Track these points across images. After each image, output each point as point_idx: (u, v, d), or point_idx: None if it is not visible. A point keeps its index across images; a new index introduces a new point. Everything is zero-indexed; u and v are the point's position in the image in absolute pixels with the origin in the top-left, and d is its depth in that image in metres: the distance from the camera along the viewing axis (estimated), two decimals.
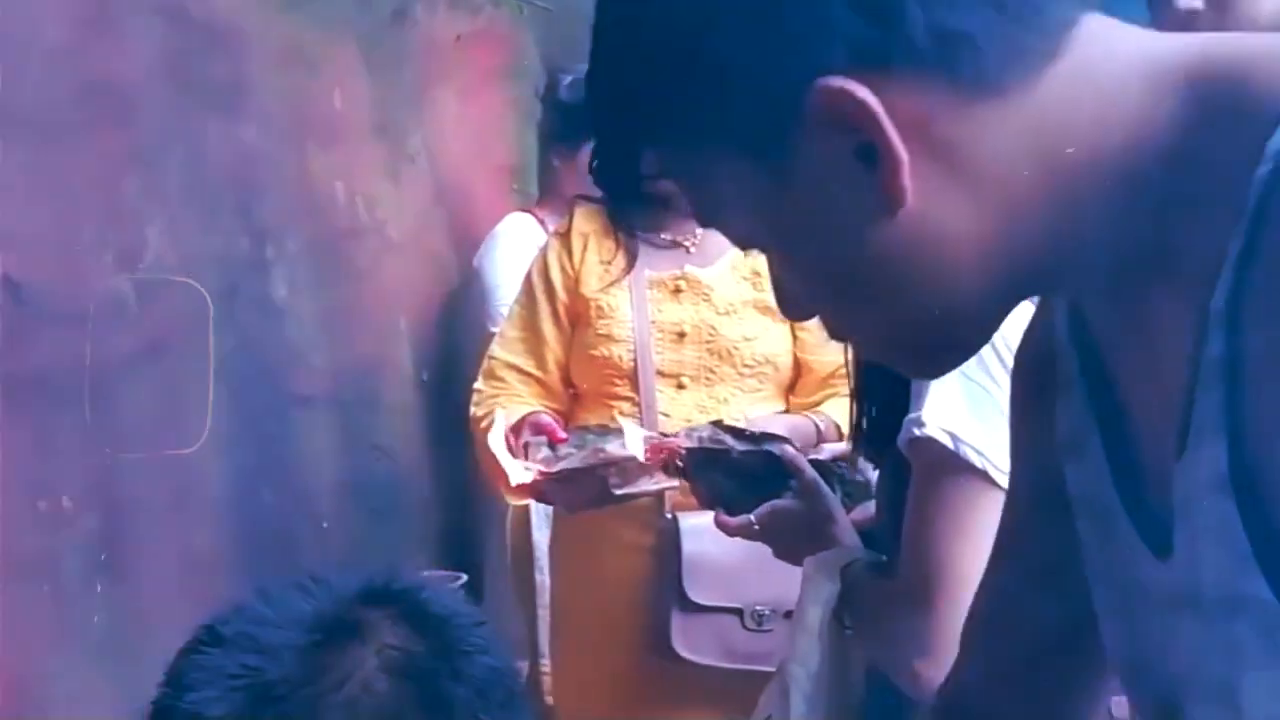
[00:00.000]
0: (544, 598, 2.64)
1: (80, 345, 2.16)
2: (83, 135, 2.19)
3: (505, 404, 2.31)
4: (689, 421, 2.13)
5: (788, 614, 2.19)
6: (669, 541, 2.23)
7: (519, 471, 1.97)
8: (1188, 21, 1.83)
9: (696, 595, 2.21)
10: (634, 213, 2.23)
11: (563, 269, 2.38)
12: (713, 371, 2.32)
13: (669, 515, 2.25)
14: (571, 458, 1.96)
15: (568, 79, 2.72)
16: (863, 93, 0.72)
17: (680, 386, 2.32)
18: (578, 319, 2.37)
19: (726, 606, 2.22)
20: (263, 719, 0.67)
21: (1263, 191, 0.69)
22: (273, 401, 2.59)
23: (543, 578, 2.66)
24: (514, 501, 2.42)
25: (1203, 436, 0.72)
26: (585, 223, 2.39)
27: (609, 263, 2.34)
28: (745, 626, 2.21)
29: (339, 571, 0.77)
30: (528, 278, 2.44)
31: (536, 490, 2.03)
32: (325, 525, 2.63)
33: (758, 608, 2.21)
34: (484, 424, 2.28)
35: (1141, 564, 0.80)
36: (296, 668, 0.68)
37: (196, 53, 2.45)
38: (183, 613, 2.34)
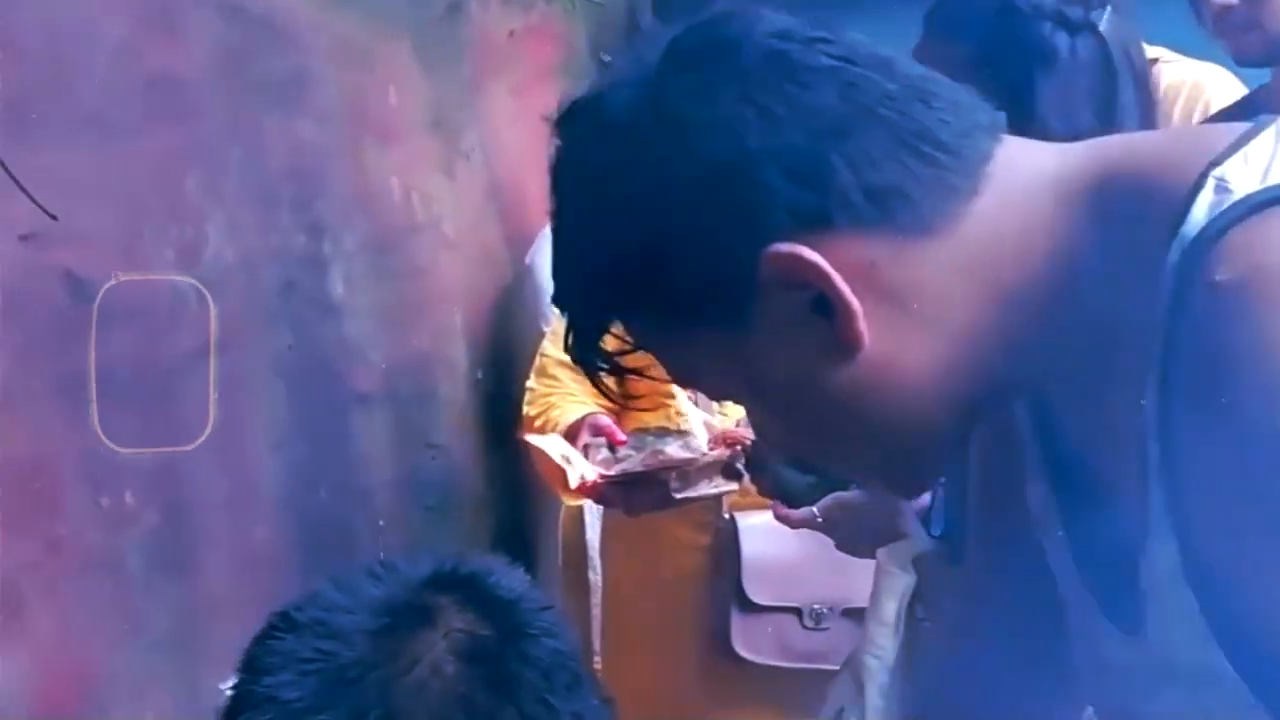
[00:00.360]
0: (597, 595, 2.64)
1: (141, 342, 2.17)
2: (143, 132, 2.20)
3: (559, 403, 2.30)
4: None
5: (845, 612, 2.19)
6: (727, 542, 2.23)
7: (576, 473, 1.96)
8: (1222, 16, 1.81)
9: (756, 595, 2.20)
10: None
11: None
12: None
13: (727, 516, 2.24)
14: (631, 460, 1.95)
15: None
16: (809, 254, 0.79)
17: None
18: None
19: (785, 606, 2.21)
20: (336, 702, 0.69)
21: (1169, 304, 0.74)
22: (329, 398, 2.60)
23: (596, 576, 2.66)
24: (570, 503, 2.42)
25: (1159, 532, 0.77)
26: None
27: None
28: (804, 625, 2.20)
29: (408, 558, 0.79)
30: None
31: (595, 493, 2.02)
32: (381, 523, 2.63)
33: (816, 606, 2.21)
34: (538, 423, 2.27)
35: (1109, 639, 0.86)
36: (368, 651, 0.71)
37: (254, 49, 2.46)
38: (242, 608, 2.37)
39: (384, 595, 0.74)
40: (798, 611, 2.19)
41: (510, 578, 0.78)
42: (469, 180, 3.03)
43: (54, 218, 1.73)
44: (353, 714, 0.68)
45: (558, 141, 0.88)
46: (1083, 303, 0.80)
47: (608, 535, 2.52)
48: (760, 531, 2.14)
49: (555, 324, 2.45)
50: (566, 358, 2.40)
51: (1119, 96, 1.60)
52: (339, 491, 2.59)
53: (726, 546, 2.23)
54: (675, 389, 2.19)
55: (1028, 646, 1.02)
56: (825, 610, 2.20)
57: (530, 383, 2.40)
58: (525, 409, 2.38)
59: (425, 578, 0.76)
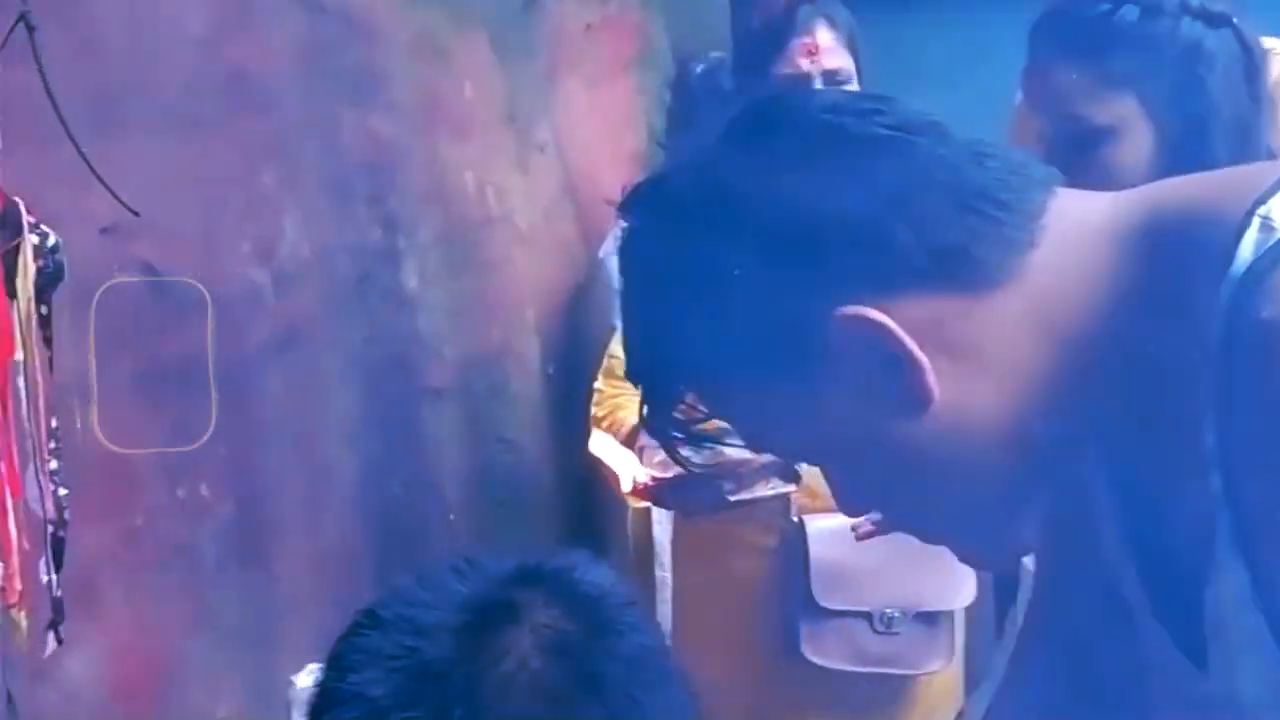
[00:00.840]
0: (666, 592, 2.64)
1: (218, 334, 2.19)
2: (222, 125, 2.22)
3: (625, 404, 2.30)
4: None
5: (917, 616, 2.17)
6: (795, 546, 2.21)
7: (629, 476, 1.97)
8: None
9: (825, 601, 2.19)
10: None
11: None
12: None
13: (795, 519, 2.23)
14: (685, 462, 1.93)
15: (699, 68, 2.71)
16: (877, 315, 0.82)
17: None
18: None
19: (855, 611, 2.20)
20: (422, 698, 0.69)
21: (1222, 342, 0.77)
22: (403, 392, 2.61)
23: (664, 574, 2.66)
24: (632, 504, 2.42)
25: (1227, 561, 0.80)
26: None
27: None
28: (874, 629, 2.19)
29: (492, 554, 0.79)
30: None
31: (651, 495, 2.01)
32: (452, 517, 2.64)
33: (887, 611, 2.19)
34: (605, 424, 2.27)
35: (1183, 671, 0.88)
36: (453, 648, 0.71)
37: (332, 43, 2.47)
38: (314, 601, 2.38)
39: (469, 591, 0.74)
40: (868, 616, 2.17)
41: (595, 573, 0.78)
42: (543, 174, 3.04)
43: (136, 214, 1.74)
44: (439, 710, 0.68)
45: (624, 222, 0.92)
46: (1140, 344, 0.82)
47: (676, 533, 2.51)
48: (829, 535, 2.13)
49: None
50: None
51: (1261, 89, 1.60)
52: (411, 485, 2.61)
53: (794, 550, 2.21)
54: None
55: (1102, 677, 1.03)
56: (896, 614, 2.18)
57: (598, 384, 2.39)
58: (593, 410, 2.37)
59: (510, 573, 0.76)
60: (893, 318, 0.82)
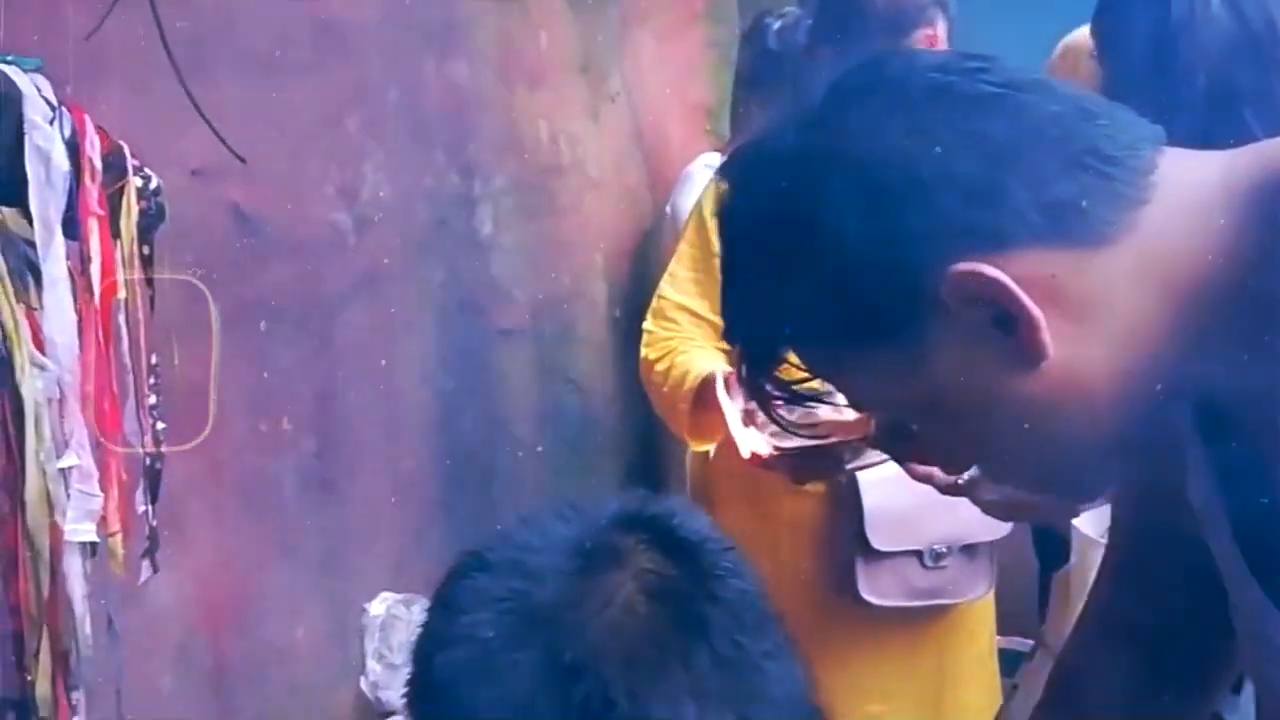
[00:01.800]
0: None
1: (302, 275, 2.26)
2: (309, 72, 2.28)
3: (682, 348, 2.31)
4: None
5: (963, 549, 2.23)
6: (847, 493, 2.26)
7: (747, 446, 1.96)
8: None
9: (879, 543, 2.24)
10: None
11: None
12: None
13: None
14: (807, 430, 1.89)
15: (775, 24, 2.73)
16: (991, 271, 0.81)
17: None
18: None
19: (907, 550, 2.26)
20: (532, 640, 0.69)
21: None
22: (476, 333, 2.68)
23: (718, 515, 2.70)
24: (696, 448, 2.45)
25: None
26: None
27: None
28: (924, 565, 2.24)
29: (593, 499, 0.80)
30: (697, 216, 2.38)
31: (770, 464, 2.01)
32: (520, 454, 2.72)
33: (935, 546, 2.24)
34: (660, 367, 2.30)
35: (1271, 618, 0.88)
36: (562, 591, 0.71)
37: None
38: (389, 531, 2.47)
39: (574, 535, 0.74)
40: (918, 553, 2.23)
41: (693, 519, 0.77)
42: (613, 123, 3.08)
43: (243, 160, 1.81)
44: (549, 652, 0.68)
45: (725, 185, 0.92)
46: (1251, 301, 0.82)
47: (725, 477, 2.54)
48: (878, 482, 2.17)
49: (673, 265, 2.41)
50: (685, 300, 2.41)
51: None
52: (482, 422, 2.68)
53: (846, 497, 2.26)
54: None
55: (1182, 621, 1.04)
56: (944, 549, 2.24)
57: (648, 324, 2.36)
58: (644, 351, 2.36)
59: (612, 519, 0.76)
60: (1006, 274, 0.81)
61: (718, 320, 2.32)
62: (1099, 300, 0.83)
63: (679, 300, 2.33)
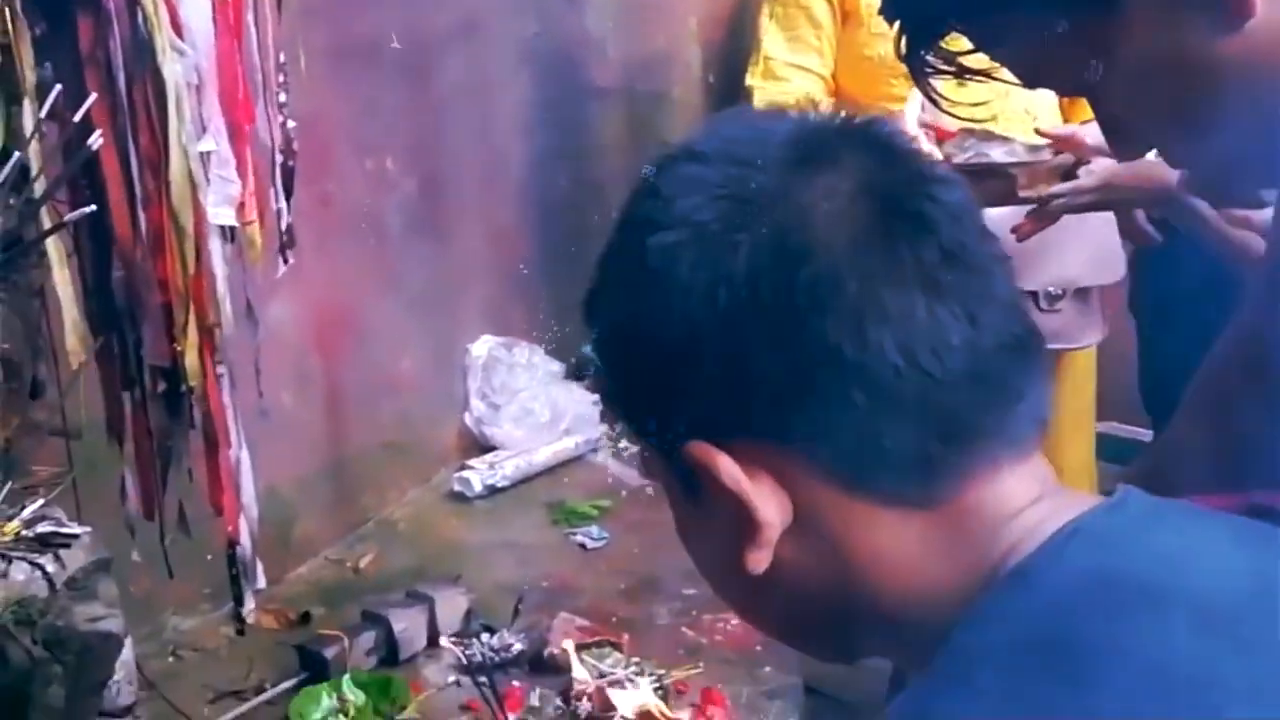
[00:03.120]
0: None
1: (405, 19, 2.26)
2: None
3: (796, 103, 2.29)
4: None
5: (1076, 293, 2.23)
6: None
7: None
8: None
9: None
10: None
11: None
12: None
13: None
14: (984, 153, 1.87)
15: None
16: None
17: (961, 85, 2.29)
18: (848, 17, 2.29)
19: (1023, 290, 2.26)
20: (754, 224, 0.66)
21: None
22: (570, 88, 2.68)
23: None
24: None
25: None
26: None
27: None
28: (1039, 307, 2.24)
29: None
30: None
31: None
32: (613, 214, 2.73)
33: (1050, 289, 2.24)
34: None
35: None
36: (782, 180, 0.68)
37: None
38: (486, 275, 2.49)
39: (791, 130, 0.70)
40: (1034, 295, 2.23)
41: (902, 138, 0.73)
42: None
43: None
44: (774, 235, 0.66)
45: None
46: None
47: None
48: (990, 224, 2.19)
49: (770, 25, 2.35)
50: (795, 59, 2.37)
51: None
52: (575, 178, 2.70)
53: None
54: None
55: None
56: (1059, 291, 2.24)
57: (754, 81, 2.33)
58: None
59: (824, 123, 0.72)
60: None
61: (825, 74, 2.31)
62: None
63: (787, 58, 2.30)
